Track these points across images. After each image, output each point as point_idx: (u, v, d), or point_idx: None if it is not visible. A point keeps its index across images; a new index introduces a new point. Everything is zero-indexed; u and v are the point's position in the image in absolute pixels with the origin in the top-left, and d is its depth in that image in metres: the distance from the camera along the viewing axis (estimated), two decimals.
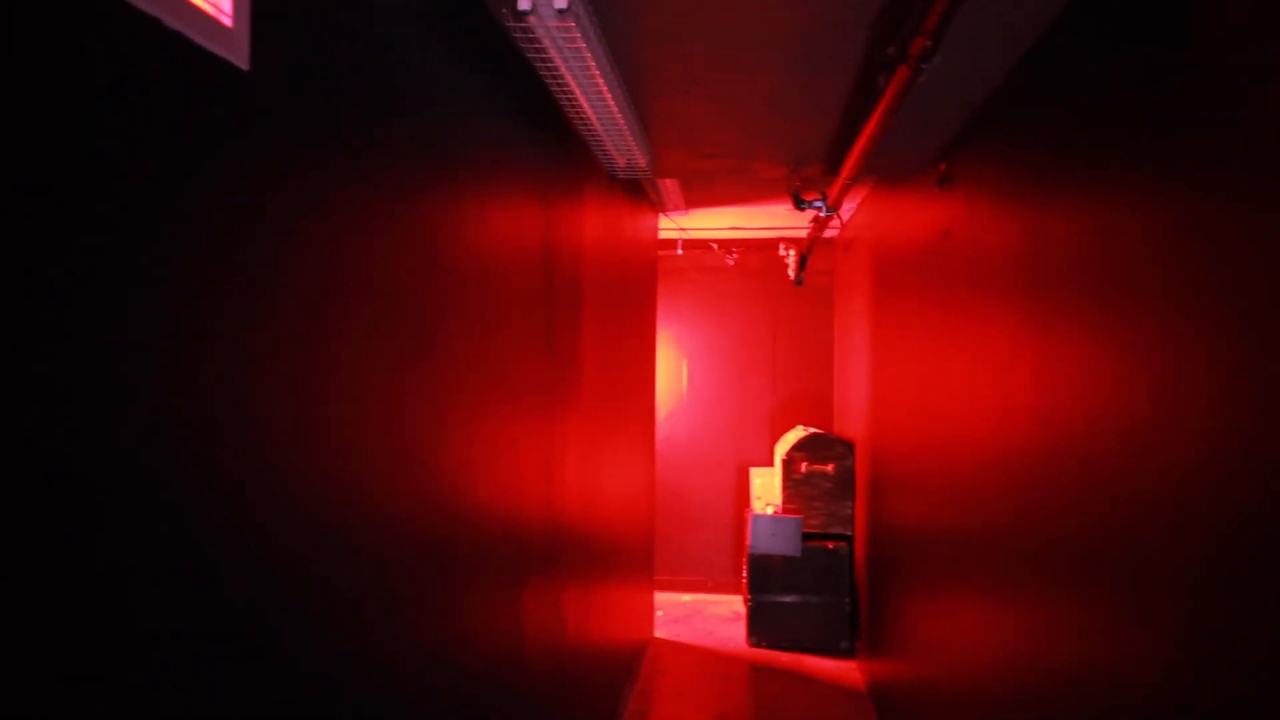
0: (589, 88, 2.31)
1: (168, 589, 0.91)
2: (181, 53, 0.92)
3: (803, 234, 5.72)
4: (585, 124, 2.64)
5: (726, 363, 6.49)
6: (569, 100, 2.41)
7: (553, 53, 2.03)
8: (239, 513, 1.03)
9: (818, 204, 3.55)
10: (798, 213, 5.00)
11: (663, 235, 5.85)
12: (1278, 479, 1.12)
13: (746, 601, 5.22)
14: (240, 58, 1.00)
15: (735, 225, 5.81)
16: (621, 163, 3.14)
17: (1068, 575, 1.82)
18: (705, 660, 4.98)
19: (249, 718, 1.05)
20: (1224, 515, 1.24)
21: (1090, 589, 1.71)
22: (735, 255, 6.38)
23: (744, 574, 5.44)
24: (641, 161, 3.11)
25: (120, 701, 0.85)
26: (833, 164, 3.38)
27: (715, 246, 6.34)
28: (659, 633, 5.46)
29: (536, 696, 2.48)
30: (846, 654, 5.08)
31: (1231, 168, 1.25)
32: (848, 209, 5.24)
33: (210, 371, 0.97)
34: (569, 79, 2.21)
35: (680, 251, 6.24)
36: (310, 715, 1.21)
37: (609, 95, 2.38)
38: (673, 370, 6.48)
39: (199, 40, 0.93)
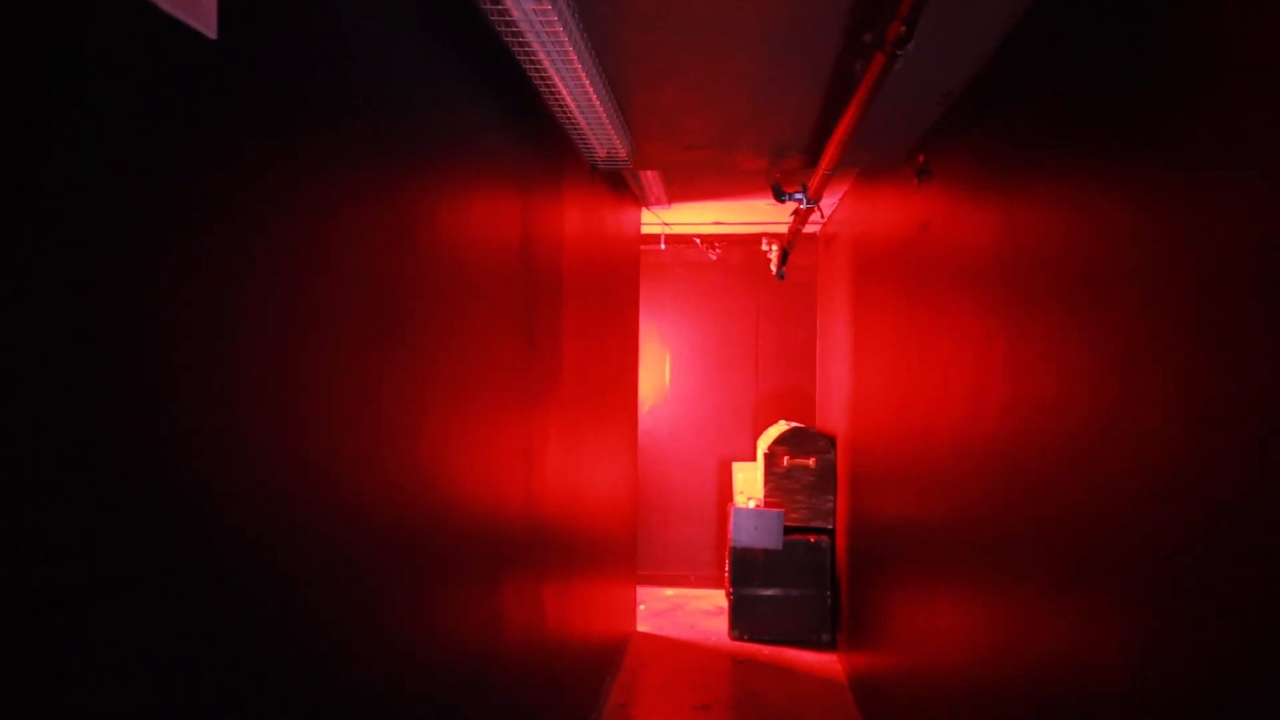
0: (568, 74, 2.31)
1: (117, 582, 0.90)
2: (145, 19, 0.91)
3: (784, 229, 5.73)
4: (565, 112, 2.63)
5: (710, 358, 6.50)
6: (548, 87, 2.41)
7: (530, 37, 2.03)
8: (201, 504, 1.02)
9: (798, 196, 3.56)
10: (780, 208, 5.02)
11: (646, 230, 5.85)
12: (1243, 466, 1.14)
13: (728, 595, 5.23)
14: (208, 26, 1.00)
15: (718, 220, 5.82)
16: (602, 153, 3.14)
17: (1040, 565, 1.84)
18: (687, 653, 4.99)
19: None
20: (1192, 504, 1.26)
21: (1061, 578, 1.72)
22: (718, 250, 6.39)
23: (726, 568, 5.45)
24: (622, 152, 3.11)
25: (47, 704, 0.84)
26: (813, 155, 3.39)
27: (698, 241, 6.35)
28: (641, 626, 5.46)
29: (515, 688, 2.47)
30: (827, 646, 5.10)
31: (1199, 160, 1.27)
32: (829, 203, 5.25)
33: (173, 355, 0.96)
34: (546, 64, 2.21)
35: (663, 246, 6.24)
36: (272, 715, 1.20)
37: (588, 82, 2.37)
38: (656, 365, 6.49)
39: (164, 6, 0.92)
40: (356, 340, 1.40)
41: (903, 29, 1.81)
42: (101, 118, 0.85)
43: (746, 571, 5.18)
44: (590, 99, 2.51)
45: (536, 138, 2.61)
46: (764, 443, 5.47)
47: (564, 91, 2.43)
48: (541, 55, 2.14)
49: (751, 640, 5.19)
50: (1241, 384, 1.13)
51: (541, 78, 2.32)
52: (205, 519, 1.02)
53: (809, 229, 6.06)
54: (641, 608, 5.82)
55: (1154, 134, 1.40)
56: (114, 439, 0.87)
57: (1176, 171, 1.32)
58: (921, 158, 3.09)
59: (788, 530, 5.20)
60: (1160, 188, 1.37)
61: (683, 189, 4.90)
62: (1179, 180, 1.31)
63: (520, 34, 2.01)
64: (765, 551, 5.14)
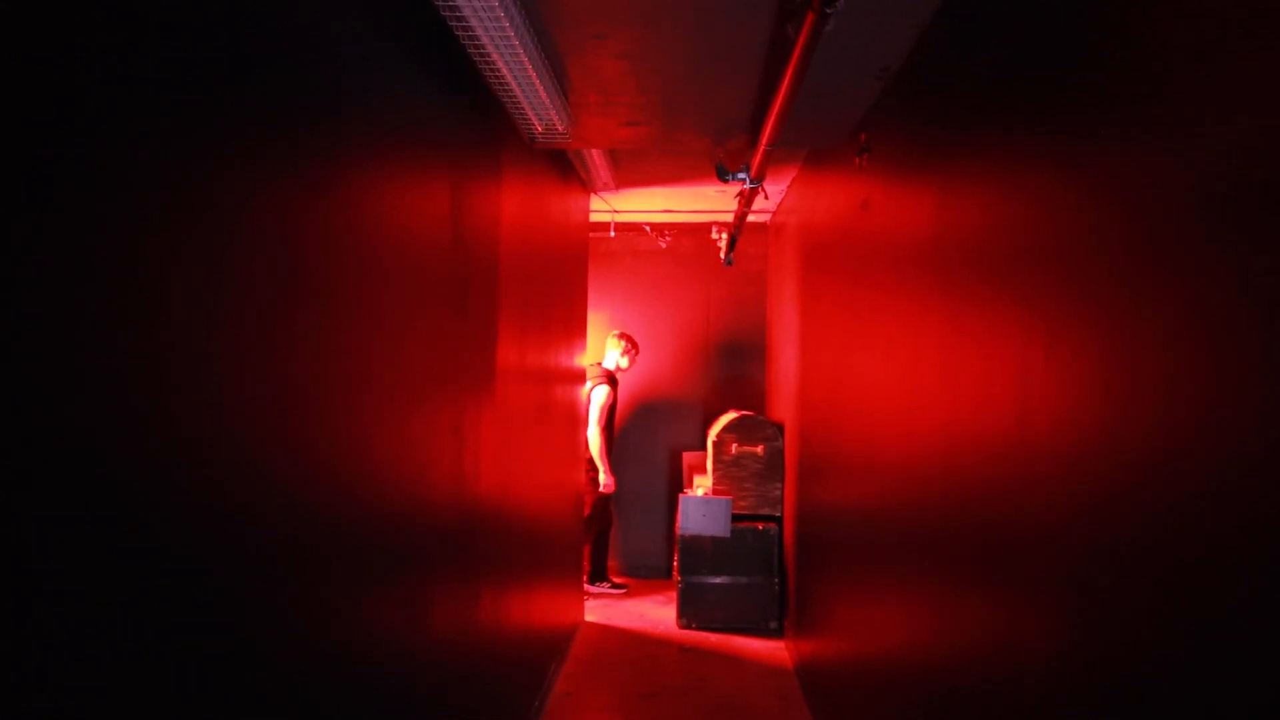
0: (499, 39, 2.24)
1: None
2: None
3: (732, 215, 5.71)
4: (497, 77, 2.56)
5: (660, 347, 6.47)
6: (478, 51, 2.34)
7: None
8: (70, 497, 0.94)
9: (741, 175, 3.53)
10: (727, 195, 4.99)
11: (595, 217, 5.80)
12: (1155, 446, 1.11)
13: (677, 583, 5.20)
14: None
15: (667, 208, 5.78)
16: (539, 126, 3.07)
17: (973, 550, 1.80)
18: (635, 642, 4.94)
19: None
20: (1106, 488, 1.23)
21: (990, 563, 1.69)
22: (668, 238, 6.36)
23: (674, 556, 5.41)
24: (560, 125, 3.05)
25: None
26: (755, 133, 3.36)
27: (648, 229, 6.30)
28: (590, 616, 5.41)
29: (447, 678, 2.39)
30: (775, 634, 5.09)
31: (1120, 134, 1.25)
32: (777, 190, 5.25)
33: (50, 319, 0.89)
34: (474, 25, 2.14)
35: (613, 234, 6.19)
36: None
37: (519, 46, 2.31)
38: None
39: None
40: (246, 303, 1.33)
41: None
42: None
43: (695, 560, 5.15)
44: (521, 63, 2.45)
45: (468, 106, 2.54)
46: (713, 431, 5.45)
47: (495, 56, 2.36)
48: (468, 12, 2.07)
49: (700, 628, 5.16)
50: (1158, 366, 1.10)
51: (472, 41, 2.25)
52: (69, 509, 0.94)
53: (760, 218, 6.05)
54: (589, 599, 5.76)
55: (1073, 110, 1.37)
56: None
57: (1097, 146, 1.30)
58: (863, 136, 3.08)
59: (736, 518, 5.18)
60: (1082, 163, 1.34)
61: (630, 173, 4.85)
62: (1101, 155, 1.29)
63: None
64: (714, 540, 5.12)
